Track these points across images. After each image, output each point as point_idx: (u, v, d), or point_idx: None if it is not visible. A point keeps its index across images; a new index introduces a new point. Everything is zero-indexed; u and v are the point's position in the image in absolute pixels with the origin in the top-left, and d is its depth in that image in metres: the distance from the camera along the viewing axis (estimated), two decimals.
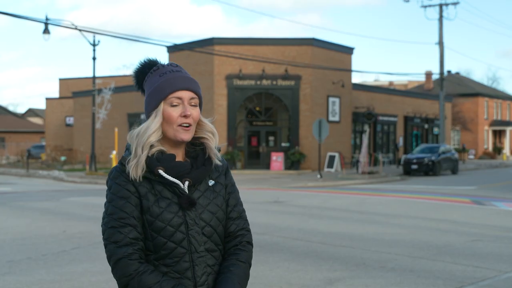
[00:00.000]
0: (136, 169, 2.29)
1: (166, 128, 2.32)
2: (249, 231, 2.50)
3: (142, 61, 2.45)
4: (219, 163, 2.42)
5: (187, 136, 2.32)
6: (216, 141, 2.42)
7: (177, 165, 2.32)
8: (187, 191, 2.31)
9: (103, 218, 2.34)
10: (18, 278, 7.43)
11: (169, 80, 2.32)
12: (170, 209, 2.30)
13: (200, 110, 2.40)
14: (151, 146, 2.32)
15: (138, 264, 2.26)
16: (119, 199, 2.30)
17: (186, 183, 2.31)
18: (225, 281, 2.33)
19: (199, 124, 2.39)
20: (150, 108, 2.35)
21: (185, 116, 2.30)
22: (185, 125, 2.30)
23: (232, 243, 2.43)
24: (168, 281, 2.26)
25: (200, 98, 2.37)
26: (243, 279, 2.38)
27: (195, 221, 2.31)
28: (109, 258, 2.29)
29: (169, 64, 2.40)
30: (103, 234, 2.33)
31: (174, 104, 2.31)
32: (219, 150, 2.46)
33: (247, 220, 2.53)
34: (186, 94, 2.31)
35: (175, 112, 2.30)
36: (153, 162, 2.30)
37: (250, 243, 2.48)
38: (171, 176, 2.29)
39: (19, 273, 7.70)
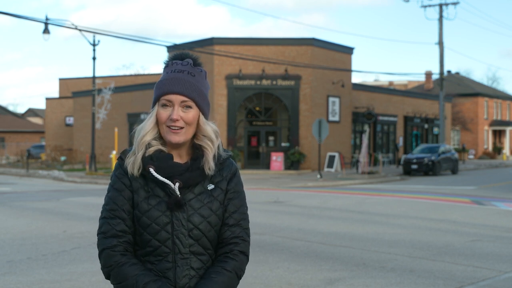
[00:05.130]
0: (132, 166, 2.34)
1: (160, 128, 2.35)
2: (245, 240, 2.41)
3: (173, 55, 2.45)
4: (211, 173, 2.37)
5: (176, 138, 2.31)
6: (215, 148, 2.39)
7: (171, 165, 2.32)
8: (177, 192, 2.30)
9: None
10: (18, 278, 7.43)
11: (162, 82, 2.34)
12: (158, 207, 2.31)
13: (204, 112, 2.37)
14: (149, 145, 2.34)
15: (120, 256, 2.30)
16: (114, 191, 2.37)
17: (177, 184, 2.30)
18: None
19: (198, 128, 2.37)
20: (152, 106, 2.40)
21: (172, 120, 2.30)
22: (173, 128, 2.30)
23: (223, 249, 2.38)
24: (145, 275, 2.27)
25: (196, 101, 2.33)
26: None
27: (181, 222, 2.31)
28: (97, 247, 2.37)
29: (179, 63, 2.38)
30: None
31: (165, 105, 2.32)
32: (226, 156, 2.45)
33: (246, 229, 2.44)
34: (175, 98, 2.31)
35: (164, 114, 2.32)
36: (146, 160, 2.32)
37: (243, 252, 2.40)
38: (163, 176, 2.30)
39: (19, 273, 7.70)
